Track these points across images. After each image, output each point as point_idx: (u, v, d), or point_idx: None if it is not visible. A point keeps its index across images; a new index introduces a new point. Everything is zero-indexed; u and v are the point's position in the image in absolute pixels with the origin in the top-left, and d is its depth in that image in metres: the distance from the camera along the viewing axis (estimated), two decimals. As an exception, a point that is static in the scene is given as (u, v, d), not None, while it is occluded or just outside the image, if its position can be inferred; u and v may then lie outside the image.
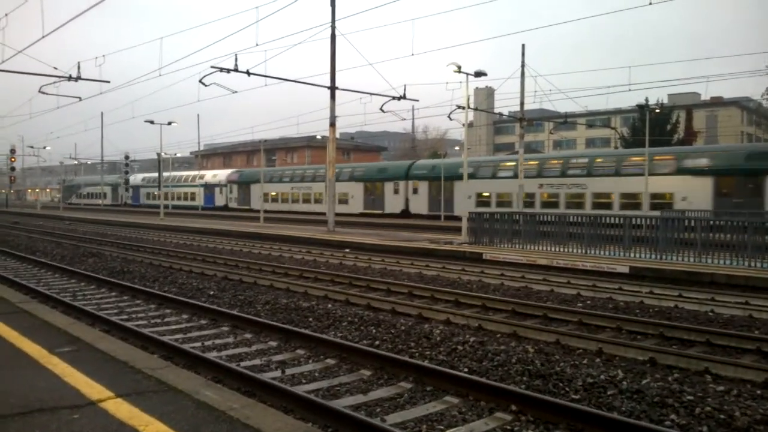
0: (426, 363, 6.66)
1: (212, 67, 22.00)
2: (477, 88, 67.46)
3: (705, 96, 57.61)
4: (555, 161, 34.67)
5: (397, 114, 33.29)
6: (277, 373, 6.48)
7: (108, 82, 23.64)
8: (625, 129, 54.23)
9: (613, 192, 30.07)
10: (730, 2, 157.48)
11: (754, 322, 9.11)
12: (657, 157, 29.39)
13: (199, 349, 7.32)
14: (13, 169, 55.10)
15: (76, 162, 77.78)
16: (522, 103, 28.68)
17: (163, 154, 47.58)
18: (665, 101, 52.42)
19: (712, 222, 15.74)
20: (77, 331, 6.47)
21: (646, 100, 47.70)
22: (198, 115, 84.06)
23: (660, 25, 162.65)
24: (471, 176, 31.26)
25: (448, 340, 7.66)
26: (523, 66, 28.14)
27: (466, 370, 6.55)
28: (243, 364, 6.79)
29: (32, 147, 63.80)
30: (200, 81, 22.37)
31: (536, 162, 34.26)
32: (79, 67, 22.26)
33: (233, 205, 53.18)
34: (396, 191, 40.22)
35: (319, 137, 55.41)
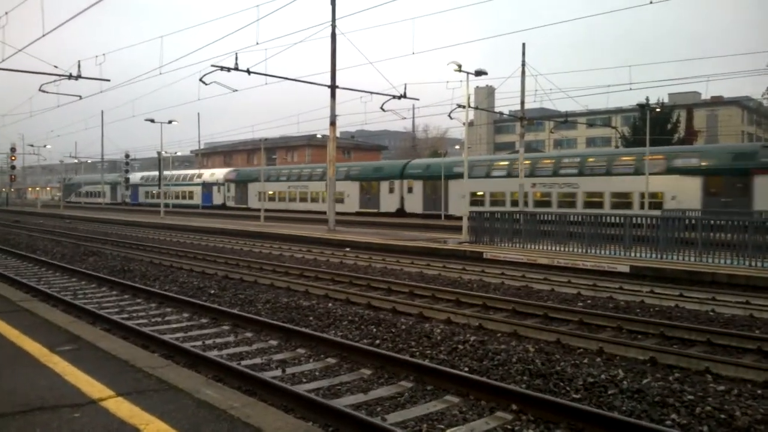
0: (426, 362, 6.66)
1: (212, 65, 22.01)
2: (477, 87, 67.51)
3: (705, 95, 57.62)
4: (547, 161, 34.76)
5: (398, 113, 33.31)
6: (278, 372, 6.48)
7: (108, 80, 23.68)
8: (626, 128, 54.20)
9: (604, 191, 30.24)
10: (730, 2, 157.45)
11: (755, 322, 9.10)
12: (647, 157, 29.54)
13: (199, 348, 7.33)
14: (13, 167, 55.15)
15: (76, 160, 77.77)
16: (522, 102, 28.70)
17: (163, 152, 47.58)
18: (666, 100, 52.37)
19: (712, 221, 15.74)
20: (78, 330, 6.47)
21: (647, 99, 47.70)
22: (198, 113, 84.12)
23: (659, 24, 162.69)
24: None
25: (448, 340, 7.66)
26: (523, 65, 28.15)
27: (466, 369, 6.55)
28: (243, 363, 6.79)
29: (32, 145, 63.84)
30: (200, 80, 22.37)
31: (529, 162, 34.38)
32: (79, 66, 22.29)
33: (231, 203, 53.43)
34: (391, 190, 40.42)
35: (319, 136, 55.38)
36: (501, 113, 42.57)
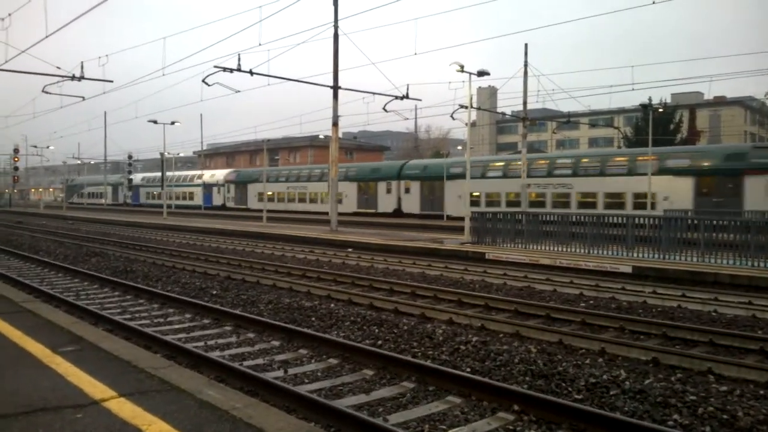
0: (428, 363, 6.66)
1: (215, 66, 22.06)
2: (480, 87, 67.51)
3: (708, 96, 57.52)
4: (542, 162, 34.73)
5: (400, 113, 33.33)
6: (280, 373, 6.49)
7: (111, 81, 23.73)
8: (629, 129, 54.12)
9: (597, 192, 30.26)
10: (730, 2, 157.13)
11: (758, 322, 9.09)
12: (640, 158, 29.52)
13: (202, 349, 7.34)
14: (16, 168, 55.26)
15: (79, 162, 77.93)
16: (525, 103, 28.69)
17: (166, 153, 47.63)
18: (668, 101, 52.28)
19: (715, 222, 15.71)
20: (80, 331, 6.48)
21: (650, 99, 47.60)
22: (201, 114, 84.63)
23: (661, 24, 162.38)
24: (461, 176, 31.32)
25: (450, 340, 7.66)
26: (526, 65, 28.13)
27: (468, 370, 6.55)
28: (246, 363, 6.80)
29: (35, 146, 63.92)
30: (203, 81, 22.43)
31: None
32: (82, 67, 22.34)
33: (231, 204, 53.67)
34: (389, 191, 40.57)
35: (321, 137, 55.42)
36: (503, 114, 42.55)
